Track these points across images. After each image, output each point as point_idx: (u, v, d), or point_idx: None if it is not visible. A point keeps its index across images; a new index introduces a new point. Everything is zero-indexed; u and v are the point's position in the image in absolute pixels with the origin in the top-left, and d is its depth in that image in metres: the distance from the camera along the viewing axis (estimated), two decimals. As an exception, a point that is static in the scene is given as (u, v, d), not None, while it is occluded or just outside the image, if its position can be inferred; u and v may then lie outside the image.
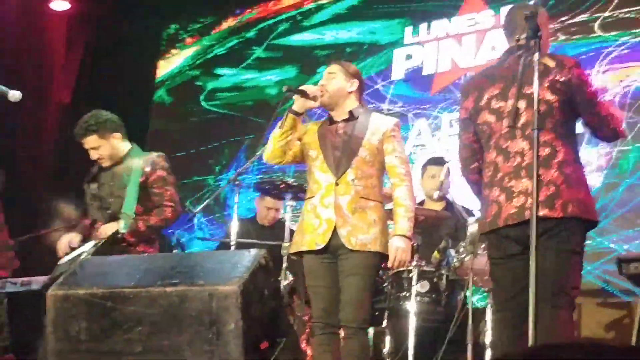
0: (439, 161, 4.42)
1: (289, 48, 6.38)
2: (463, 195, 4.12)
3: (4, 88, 3.13)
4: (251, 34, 6.65)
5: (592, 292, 4.50)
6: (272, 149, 3.15)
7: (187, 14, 6.96)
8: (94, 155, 3.60)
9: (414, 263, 3.65)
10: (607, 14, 4.98)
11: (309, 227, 3.06)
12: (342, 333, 3.08)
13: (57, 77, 6.64)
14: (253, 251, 2.63)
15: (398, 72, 5.76)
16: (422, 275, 3.70)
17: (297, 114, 3.11)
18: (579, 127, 2.67)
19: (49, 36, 6.61)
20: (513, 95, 2.48)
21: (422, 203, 4.30)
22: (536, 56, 2.37)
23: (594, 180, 4.60)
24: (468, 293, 3.61)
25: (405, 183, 3.09)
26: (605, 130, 2.62)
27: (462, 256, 3.67)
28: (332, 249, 3.02)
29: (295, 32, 6.43)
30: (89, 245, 3.52)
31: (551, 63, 2.55)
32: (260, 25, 6.62)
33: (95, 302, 2.58)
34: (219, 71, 6.71)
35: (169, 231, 4.36)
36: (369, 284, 3.02)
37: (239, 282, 2.44)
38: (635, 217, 4.54)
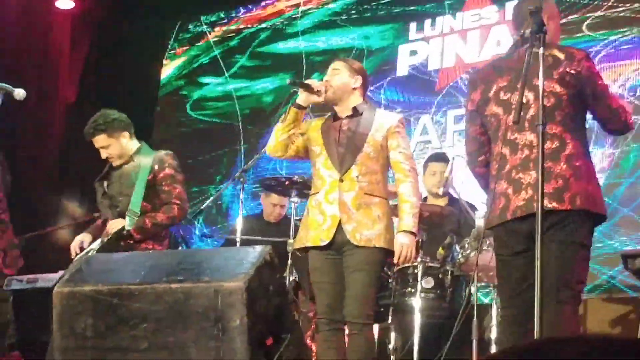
0: (440, 157, 4.42)
1: (279, 55, 6.38)
2: (466, 190, 4.12)
3: (9, 87, 3.14)
4: (234, 42, 6.65)
5: (597, 288, 4.50)
6: (275, 142, 3.16)
7: (181, 20, 6.97)
8: (103, 154, 3.65)
9: (418, 259, 3.65)
10: (599, 13, 4.97)
11: (314, 223, 3.06)
12: (346, 329, 3.08)
13: (62, 76, 6.65)
14: (258, 248, 2.63)
15: (402, 68, 5.76)
16: (427, 272, 3.69)
17: (300, 107, 3.11)
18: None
19: (54, 35, 6.63)
20: (526, 79, 2.45)
21: (425, 199, 4.30)
22: (541, 50, 2.37)
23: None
24: (473, 289, 3.61)
25: (409, 179, 3.09)
26: (617, 122, 2.61)
27: (467, 252, 3.67)
28: (337, 245, 3.03)
29: (281, 40, 6.43)
30: (97, 244, 3.54)
31: (561, 55, 2.54)
32: (244, 34, 6.63)
33: (100, 298, 2.59)
34: (203, 80, 6.69)
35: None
36: (373, 280, 3.02)
37: (244, 279, 2.44)
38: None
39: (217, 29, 6.77)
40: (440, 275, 3.72)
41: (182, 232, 4.67)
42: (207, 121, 6.59)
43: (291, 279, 4.00)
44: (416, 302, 3.62)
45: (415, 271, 3.68)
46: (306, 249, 3.11)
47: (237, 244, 4.12)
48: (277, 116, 5.96)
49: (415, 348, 3.54)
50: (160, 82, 6.87)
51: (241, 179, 4.23)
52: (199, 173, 6.13)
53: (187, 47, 6.89)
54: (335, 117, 3.19)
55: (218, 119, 6.53)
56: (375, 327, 3.92)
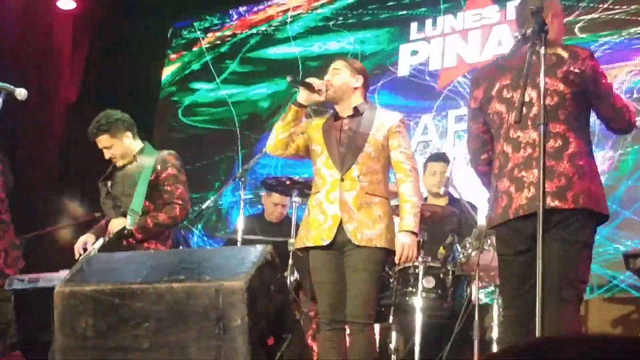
0: (439, 157, 4.42)
1: (275, 61, 6.39)
2: (467, 190, 4.12)
3: (10, 86, 3.14)
4: (225, 48, 6.68)
5: (599, 288, 4.49)
6: (275, 140, 3.15)
7: (179, 21, 6.98)
8: (106, 154, 3.66)
9: (419, 259, 3.64)
10: (592, 16, 4.98)
11: (315, 222, 3.06)
12: (347, 329, 3.08)
13: (63, 76, 6.66)
14: (259, 247, 2.63)
15: (403, 68, 5.76)
16: (428, 271, 3.69)
17: (300, 106, 3.10)
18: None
19: (55, 35, 6.63)
20: (528, 79, 2.45)
21: (425, 199, 4.30)
22: (542, 50, 2.36)
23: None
24: (474, 289, 3.60)
25: (410, 179, 3.09)
26: (621, 122, 2.60)
27: (468, 252, 3.67)
28: (338, 245, 3.03)
29: (271, 45, 6.45)
30: (99, 243, 3.55)
31: (565, 54, 2.53)
32: (234, 39, 6.66)
33: (102, 298, 2.59)
34: (195, 85, 6.70)
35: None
36: (374, 280, 3.02)
37: (245, 278, 2.44)
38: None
39: (209, 34, 6.80)
40: (441, 275, 3.71)
41: (182, 232, 4.67)
42: (200, 127, 6.59)
43: (292, 278, 4.00)
44: (417, 302, 3.62)
45: (417, 271, 3.68)
46: (307, 249, 3.11)
47: (238, 244, 4.12)
48: (273, 121, 6.00)
49: (417, 348, 3.53)
50: (160, 83, 6.88)
51: (242, 179, 4.24)
52: (196, 179, 6.11)
53: (182, 54, 6.91)
54: (336, 117, 3.19)
55: (214, 125, 6.52)
56: (377, 327, 3.92)
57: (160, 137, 6.54)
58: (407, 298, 3.69)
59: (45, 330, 3.40)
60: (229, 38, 6.69)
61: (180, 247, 4.32)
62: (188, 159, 6.15)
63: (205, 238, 6.10)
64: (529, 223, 2.41)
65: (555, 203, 2.41)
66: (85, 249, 3.58)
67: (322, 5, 6.31)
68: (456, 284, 3.75)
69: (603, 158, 4.69)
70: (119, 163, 3.65)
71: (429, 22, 5.72)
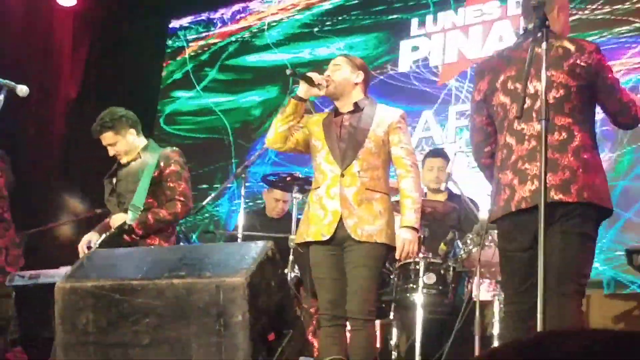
0: (437, 153, 4.41)
1: (264, 68, 6.39)
2: (466, 186, 4.12)
3: (11, 83, 3.14)
4: (205, 56, 6.71)
5: (601, 283, 4.49)
6: (274, 133, 3.15)
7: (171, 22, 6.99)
8: (111, 151, 3.66)
9: (420, 255, 3.64)
10: (577, 17, 4.98)
11: (315, 217, 3.06)
12: (348, 325, 3.08)
13: (64, 72, 6.65)
14: (260, 243, 2.63)
15: (405, 63, 5.75)
16: (429, 267, 3.69)
17: (300, 99, 3.10)
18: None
19: (56, 32, 6.63)
20: (529, 75, 2.43)
21: (424, 195, 4.29)
22: (544, 45, 2.35)
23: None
24: (475, 285, 3.60)
25: (411, 174, 3.08)
26: (627, 116, 2.58)
27: (469, 248, 3.66)
28: (338, 241, 3.02)
29: (250, 52, 6.48)
30: (101, 240, 3.55)
31: (571, 47, 2.51)
32: (214, 48, 6.68)
33: (102, 294, 2.59)
34: (176, 94, 6.70)
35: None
36: (375, 275, 3.02)
37: (246, 274, 2.44)
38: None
39: (192, 44, 6.82)
40: (442, 271, 3.71)
41: (183, 229, 4.66)
42: (184, 135, 6.58)
43: (293, 275, 4.00)
44: (418, 298, 3.62)
45: (417, 267, 3.68)
46: (307, 244, 3.11)
47: (239, 240, 4.12)
48: (264, 128, 6.02)
49: (417, 344, 3.53)
50: (160, 82, 6.87)
51: (242, 175, 4.23)
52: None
53: (168, 63, 6.93)
54: (337, 112, 3.18)
55: (202, 134, 6.49)
56: (377, 323, 3.92)
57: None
58: (407, 294, 3.69)
59: (46, 327, 3.40)
60: (210, 47, 6.74)
61: (181, 244, 4.32)
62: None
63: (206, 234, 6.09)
64: (533, 217, 2.37)
65: (559, 196, 2.39)
66: (89, 248, 3.58)
67: (300, 11, 6.35)
68: (457, 280, 3.75)
69: (602, 160, 4.68)
70: (123, 160, 3.66)
71: (429, 17, 5.71)
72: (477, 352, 3.49)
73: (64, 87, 6.64)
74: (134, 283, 2.56)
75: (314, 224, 3.05)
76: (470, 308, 3.49)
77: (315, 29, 6.23)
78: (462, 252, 3.72)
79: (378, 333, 4.03)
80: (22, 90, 3.13)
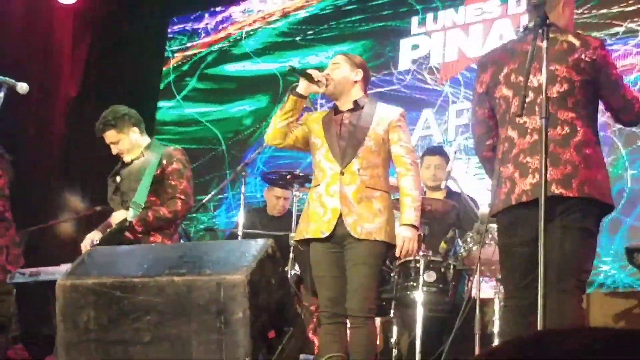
0: (434, 151, 4.40)
1: (255, 77, 6.39)
2: (465, 184, 4.12)
3: (11, 80, 3.14)
4: (186, 66, 6.73)
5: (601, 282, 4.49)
6: (273, 129, 3.15)
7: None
8: (114, 150, 3.66)
9: (420, 253, 3.64)
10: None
11: (314, 215, 3.06)
12: (348, 322, 3.09)
13: (64, 71, 6.65)
14: (260, 241, 2.63)
15: (405, 62, 5.75)
16: (429, 265, 3.69)
17: (299, 96, 3.10)
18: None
19: (56, 31, 6.62)
20: (530, 73, 2.42)
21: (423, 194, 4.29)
22: (544, 44, 2.35)
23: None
24: (475, 283, 3.60)
25: (411, 172, 3.08)
26: (630, 113, 2.57)
27: (470, 246, 3.67)
28: (338, 238, 3.02)
29: (229, 61, 6.51)
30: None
31: (576, 42, 2.50)
32: (195, 58, 6.70)
33: (103, 291, 2.59)
34: (159, 104, 6.70)
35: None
36: (375, 273, 3.02)
37: (247, 272, 2.44)
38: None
39: (177, 54, 6.84)
40: (442, 269, 3.71)
41: (183, 226, 4.67)
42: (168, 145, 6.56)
43: (293, 272, 4.01)
44: (418, 296, 3.62)
45: (417, 265, 3.68)
46: (306, 241, 3.11)
47: (239, 238, 4.12)
48: (255, 138, 6.01)
49: (418, 342, 3.54)
50: (160, 80, 6.88)
51: (243, 173, 4.24)
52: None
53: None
54: (337, 111, 3.18)
55: (189, 145, 6.43)
56: (378, 321, 3.92)
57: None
58: (408, 292, 3.69)
59: (46, 324, 3.41)
60: (191, 57, 6.78)
61: (182, 241, 4.32)
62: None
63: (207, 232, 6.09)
64: (533, 211, 2.35)
65: (560, 190, 2.38)
66: (93, 247, 3.58)
67: (276, 21, 6.39)
68: (457, 278, 3.75)
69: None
70: (126, 159, 3.66)
71: (430, 16, 5.71)
72: (477, 350, 3.49)
73: (64, 87, 6.64)
74: (134, 280, 2.57)
75: (314, 222, 3.05)
76: (471, 306, 3.50)
77: (298, 38, 6.25)
78: (462, 250, 3.72)
79: (378, 331, 4.03)
80: (22, 87, 3.13)
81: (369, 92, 3.32)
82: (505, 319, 2.64)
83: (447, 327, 3.60)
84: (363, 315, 2.97)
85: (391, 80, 5.67)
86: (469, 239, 3.69)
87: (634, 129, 4.54)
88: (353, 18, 6.04)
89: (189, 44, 6.81)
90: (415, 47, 5.74)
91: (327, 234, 3.02)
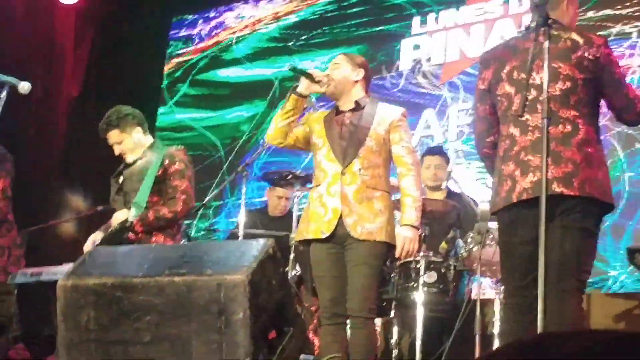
0: (434, 151, 4.40)
1: (251, 83, 6.40)
2: (464, 184, 4.11)
3: (13, 80, 3.14)
4: (179, 72, 6.74)
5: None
6: (274, 129, 3.14)
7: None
8: (117, 150, 3.66)
9: (421, 253, 3.64)
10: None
11: (315, 215, 3.06)
12: (348, 323, 3.08)
13: (66, 71, 6.65)
14: (261, 241, 2.63)
15: (405, 62, 5.74)
16: (429, 266, 3.69)
17: (300, 95, 3.09)
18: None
19: (58, 30, 6.63)
20: (531, 73, 2.41)
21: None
22: (546, 44, 2.35)
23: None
24: (476, 283, 3.60)
25: (412, 173, 3.08)
26: (632, 113, 2.55)
27: (470, 246, 3.66)
28: (338, 239, 3.02)
29: (220, 67, 6.52)
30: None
31: (580, 39, 2.49)
32: (187, 64, 6.72)
33: (104, 291, 2.59)
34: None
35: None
36: (375, 274, 3.02)
37: (247, 272, 2.44)
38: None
39: (173, 60, 6.85)
40: (443, 270, 3.71)
41: (183, 227, 4.67)
42: None
43: (293, 273, 4.00)
44: (419, 297, 3.62)
45: (418, 265, 3.68)
46: (307, 242, 3.11)
47: (240, 238, 4.12)
48: (253, 142, 6.01)
49: (418, 342, 3.54)
50: (161, 80, 6.88)
51: (244, 173, 4.24)
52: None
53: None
54: (338, 111, 3.18)
55: (189, 151, 6.45)
56: (378, 321, 3.92)
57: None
58: (408, 292, 3.69)
59: (47, 324, 3.41)
60: (184, 63, 6.79)
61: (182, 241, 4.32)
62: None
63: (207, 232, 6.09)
64: (534, 210, 2.34)
65: (561, 189, 2.37)
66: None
67: (266, 25, 6.43)
68: (458, 279, 3.75)
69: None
70: (129, 159, 3.65)
71: (431, 16, 5.70)
72: (477, 351, 3.49)
73: (66, 87, 6.64)
74: (135, 280, 2.57)
75: (314, 222, 3.05)
76: (471, 307, 3.49)
77: (290, 43, 6.26)
78: (462, 250, 3.72)
79: (379, 331, 4.03)
80: (24, 87, 3.12)
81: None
82: (505, 318, 2.63)
83: (448, 328, 3.60)
84: (363, 316, 2.97)
85: (383, 84, 5.67)
86: (469, 240, 3.69)
87: (631, 131, 4.55)
88: (347, 23, 6.05)
89: (181, 51, 6.84)
90: (416, 47, 5.73)
91: (327, 234, 3.01)
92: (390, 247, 3.04)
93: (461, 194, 4.08)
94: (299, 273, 4.11)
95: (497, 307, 3.65)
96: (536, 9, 2.43)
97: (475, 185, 4.84)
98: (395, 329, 3.88)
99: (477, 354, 3.48)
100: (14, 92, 3.15)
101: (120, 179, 3.66)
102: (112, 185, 3.71)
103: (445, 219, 3.98)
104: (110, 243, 3.36)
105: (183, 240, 3.82)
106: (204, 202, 4.42)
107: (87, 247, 3.59)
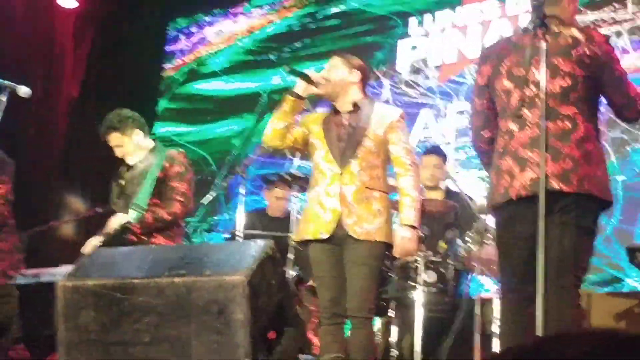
0: (432, 150, 4.40)
1: (239, 97, 6.40)
2: (465, 183, 4.11)
3: (13, 84, 3.14)
4: (162, 86, 6.75)
5: (602, 282, 4.49)
6: (271, 131, 3.14)
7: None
8: (118, 153, 3.67)
9: (420, 253, 3.64)
10: None
11: (314, 216, 3.06)
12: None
13: (65, 72, 6.65)
14: (260, 242, 2.63)
15: (403, 63, 5.74)
16: (428, 266, 3.69)
17: (297, 97, 3.09)
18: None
19: (57, 31, 6.62)
20: (533, 65, 2.40)
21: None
22: (543, 45, 2.34)
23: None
24: (475, 283, 3.61)
25: (410, 173, 3.08)
26: (632, 110, 2.54)
27: (469, 246, 3.67)
28: (337, 239, 3.02)
29: (198, 80, 6.56)
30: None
31: (581, 36, 2.47)
32: (168, 81, 6.71)
33: (104, 292, 2.59)
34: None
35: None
36: (375, 274, 3.02)
37: (246, 273, 2.44)
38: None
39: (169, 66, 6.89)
40: (442, 269, 3.71)
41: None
42: None
43: (293, 273, 4.01)
44: (418, 296, 3.62)
45: (417, 265, 3.68)
46: (306, 242, 3.11)
47: (239, 239, 4.12)
48: (242, 155, 6.01)
49: (417, 342, 3.54)
50: (159, 82, 6.89)
51: (242, 174, 4.24)
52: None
53: None
54: (336, 112, 3.18)
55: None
56: (378, 321, 3.92)
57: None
58: (407, 292, 3.70)
59: (47, 325, 3.40)
60: (167, 79, 6.85)
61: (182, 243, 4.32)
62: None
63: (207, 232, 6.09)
64: (532, 207, 2.33)
65: (559, 186, 2.36)
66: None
67: (240, 39, 6.45)
68: (457, 279, 3.75)
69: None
70: (130, 161, 3.66)
71: (428, 17, 5.70)
72: (476, 350, 3.49)
73: (66, 87, 6.64)
74: (135, 282, 2.57)
75: (313, 222, 3.05)
76: (470, 306, 3.50)
77: (272, 56, 6.31)
78: (462, 250, 3.72)
79: (380, 331, 4.03)
80: (24, 91, 3.13)
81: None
82: (504, 319, 2.62)
83: (447, 327, 3.60)
84: (363, 316, 2.97)
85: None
86: (468, 239, 3.69)
87: (624, 135, 4.55)
88: (329, 35, 6.08)
89: (166, 66, 6.87)
90: (413, 48, 5.73)
91: (326, 235, 3.01)
92: (389, 247, 3.04)
93: (459, 192, 4.08)
94: (298, 273, 4.11)
95: (496, 307, 3.65)
96: (535, 9, 2.42)
97: (475, 187, 4.84)
98: (394, 329, 3.88)
99: (476, 354, 3.49)
100: (14, 95, 3.15)
101: (122, 182, 3.67)
102: (113, 189, 3.71)
103: (444, 218, 3.98)
104: (110, 244, 3.36)
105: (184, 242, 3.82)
106: (202, 201, 4.41)
107: (87, 249, 3.58)
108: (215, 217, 6.10)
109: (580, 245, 2.43)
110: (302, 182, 4.03)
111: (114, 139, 3.64)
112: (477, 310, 3.55)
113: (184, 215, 3.65)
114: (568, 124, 2.43)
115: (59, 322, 2.65)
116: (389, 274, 3.77)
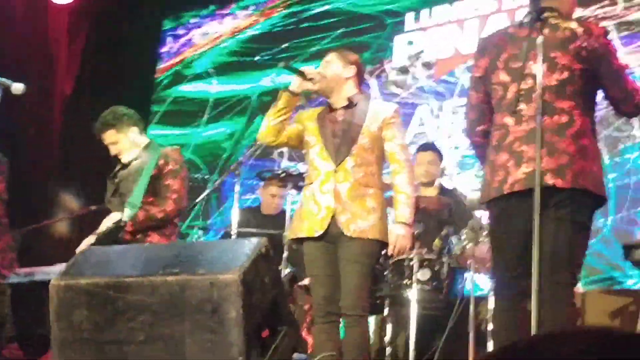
0: (426, 147, 4.40)
1: (230, 98, 6.37)
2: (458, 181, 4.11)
3: (7, 81, 3.12)
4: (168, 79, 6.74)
5: (597, 280, 4.49)
6: (266, 127, 3.13)
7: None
8: (113, 150, 3.65)
9: (414, 251, 3.64)
10: None
11: (308, 213, 3.05)
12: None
13: (60, 69, 6.62)
14: (254, 240, 2.62)
15: (400, 58, 5.74)
16: (423, 263, 3.69)
17: (292, 93, 3.08)
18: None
19: (51, 27, 6.59)
20: (530, 59, 2.38)
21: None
22: (540, 40, 2.33)
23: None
24: (469, 281, 3.61)
25: (405, 170, 3.07)
26: (630, 105, 2.52)
27: (464, 243, 3.66)
28: (331, 236, 3.01)
29: (183, 82, 6.52)
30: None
31: (579, 29, 2.45)
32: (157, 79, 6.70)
33: (97, 291, 2.58)
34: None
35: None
36: (368, 272, 3.01)
37: (240, 271, 2.44)
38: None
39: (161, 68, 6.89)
40: (436, 267, 3.71)
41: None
42: None
43: (287, 271, 4.00)
44: (412, 294, 3.62)
45: (411, 263, 3.68)
46: (300, 240, 3.10)
47: (233, 237, 4.11)
48: (232, 161, 5.99)
49: (412, 340, 3.54)
50: (154, 78, 6.86)
51: (236, 172, 4.22)
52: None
53: None
54: (330, 108, 3.17)
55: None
56: (372, 319, 3.92)
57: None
58: (402, 290, 3.69)
59: (41, 324, 3.39)
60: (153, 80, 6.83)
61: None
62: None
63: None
64: (526, 202, 2.31)
65: (554, 181, 2.34)
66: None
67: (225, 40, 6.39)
68: (451, 276, 3.75)
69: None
70: (125, 159, 3.64)
71: (424, 12, 5.70)
72: (471, 348, 3.49)
73: (60, 84, 6.61)
74: (128, 280, 2.56)
75: (307, 220, 3.05)
76: (465, 304, 3.50)
77: (256, 58, 6.28)
78: (456, 247, 3.72)
79: (373, 329, 4.03)
80: (17, 88, 3.12)
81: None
82: (498, 316, 2.61)
83: (441, 325, 3.60)
84: (357, 314, 2.97)
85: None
86: (463, 237, 3.69)
87: (617, 133, 4.55)
88: (318, 36, 6.06)
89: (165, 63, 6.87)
90: (410, 43, 5.73)
91: (320, 232, 3.01)
92: (383, 244, 3.04)
93: (453, 189, 4.08)
94: (292, 271, 4.11)
95: (490, 305, 3.65)
96: (532, 1, 2.41)
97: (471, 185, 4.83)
98: (389, 327, 3.88)
99: (470, 352, 3.49)
100: (9, 92, 3.14)
101: (116, 180, 3.65)
102: (109, 187, 3.69)
103: (438, 215, 3.98)
104: (104, 243, 3.35)
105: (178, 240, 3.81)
106: (196, 201, 4.40)
107: (82, 248, 3.57)
108: (208, 221, 6.07)
109: (575, 241, 2.42)
110: (296, 180, 4.03)
111: (109, 136, 3.62)
112: (471, 308, 3.55)
113: (178, 213, 3.64)
114: (564, 118, 2.41)
115: (53, 321, 2.64)
116: (383, 271, 3.76)
